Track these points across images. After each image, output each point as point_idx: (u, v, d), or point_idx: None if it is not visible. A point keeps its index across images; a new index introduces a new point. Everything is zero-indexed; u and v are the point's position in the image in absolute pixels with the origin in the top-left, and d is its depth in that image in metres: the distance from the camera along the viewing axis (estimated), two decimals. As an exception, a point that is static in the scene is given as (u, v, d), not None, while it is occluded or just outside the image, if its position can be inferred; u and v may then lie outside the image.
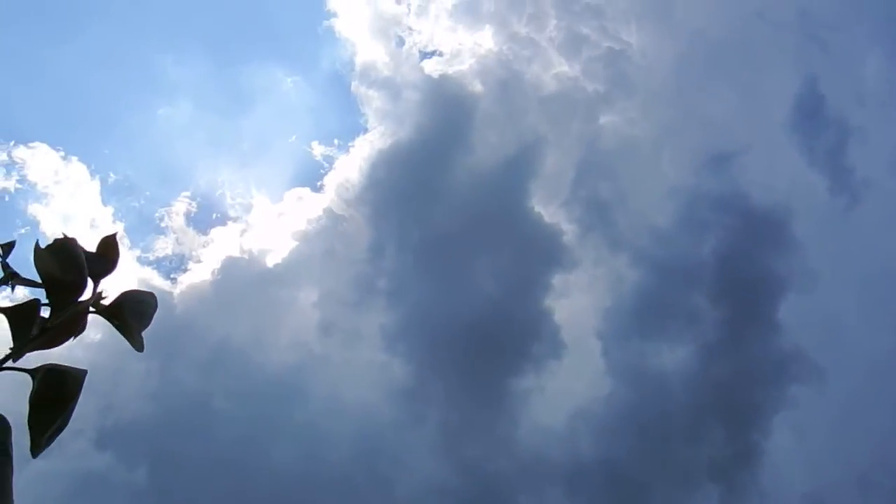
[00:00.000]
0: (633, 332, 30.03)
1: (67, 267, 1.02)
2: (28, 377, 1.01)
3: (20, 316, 1.04)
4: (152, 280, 29.90)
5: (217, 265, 30.64)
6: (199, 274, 30.54)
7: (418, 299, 30.16)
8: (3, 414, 0.97)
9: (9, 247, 1.68)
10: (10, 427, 0.97)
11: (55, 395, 0.97)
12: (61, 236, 1.04)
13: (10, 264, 1.68)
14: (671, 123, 36.32)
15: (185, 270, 30.98)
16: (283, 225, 32.92)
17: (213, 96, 40.53)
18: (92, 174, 32.12)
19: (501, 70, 32.81)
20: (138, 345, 1.10)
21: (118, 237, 1.16)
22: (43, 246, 1.03)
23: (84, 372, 1.01)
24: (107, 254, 1.12)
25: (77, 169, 31.49)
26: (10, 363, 0.98)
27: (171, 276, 30.61)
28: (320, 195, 32.69)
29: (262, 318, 31.05)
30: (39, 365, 0.99)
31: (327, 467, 25.85)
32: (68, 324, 1.05)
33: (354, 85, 35.01)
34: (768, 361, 28.71)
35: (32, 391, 0.98)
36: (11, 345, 1.04)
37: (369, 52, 34.50)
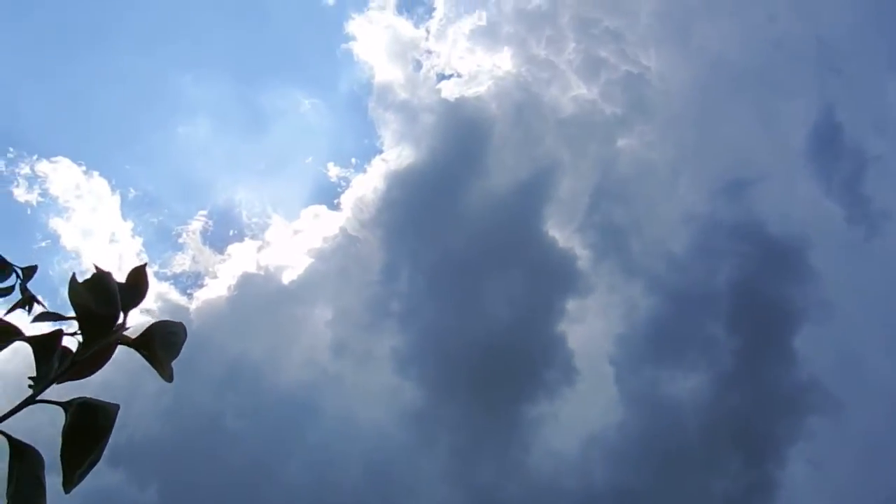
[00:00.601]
0: (646, 359, 29.88)
1: (102, 301, 1.04)
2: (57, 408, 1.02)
3: (44, 346, 1.06)
4: (169, 295, 30.08)
5: (233, 281, 30.77)
6: (216, 290, 30.67)
7: (431, 323, 30.14)
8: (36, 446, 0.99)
9: (30, 271, 1.70)
10: (42, 460, 0.98)
11: (88, 429, 0.99)
12: (96, 270, 1.06)
13: (32, 271, 1.71)
14: (687, 149, 36.35)
15: (202, 286, 31.14)
16: (299, 242, 33.03)
17: (232, 117, 40.98)
18: (113, 189, 32.43)
19: (519, 92, 32.98)
20: (167, 376, 1.11)
21: (147, 267, 1.18)
22: (80, 280, 1.05)
23: (117, 406, 1.02)
24: (136, 284, 1.14)
25: (98, 183, 31.84)
26: (43, 395, 0.99)
27: (188, 291, 30.77)
28: (337, 213, 32.89)
29: (276, 337, 31.11)
30: (72, 398, 1.00)
31: (338, 489, 25.73)
32: (99, 355, 1.07)
33: (372, 107, 35.30)
34: (784, 392, 28.43)
35: (65, 425, 0.99)
36: (32, 377, 1.05)
37: (387, 74, 34.77)
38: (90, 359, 1.07)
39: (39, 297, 1.64)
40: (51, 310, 1.41)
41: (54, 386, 1.05)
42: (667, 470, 27.11)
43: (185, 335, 1.16)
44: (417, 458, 26.98)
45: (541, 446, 27.68)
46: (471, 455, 27.59)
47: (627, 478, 26.76)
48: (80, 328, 1.04)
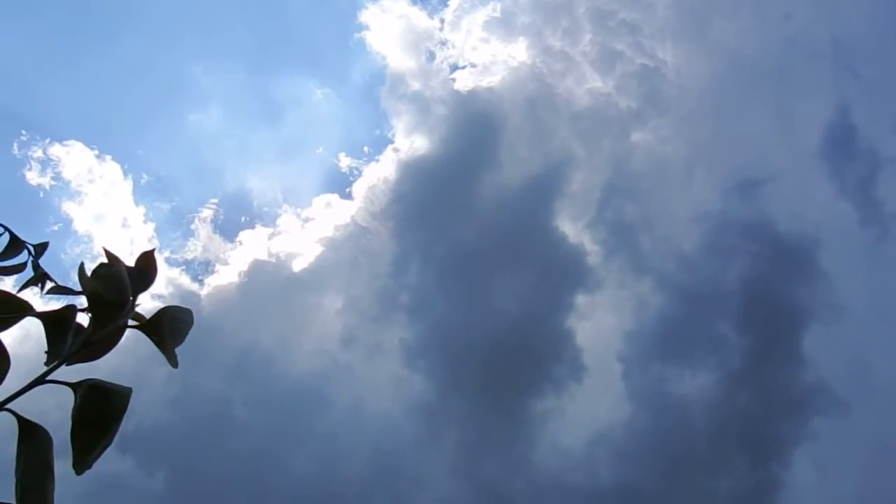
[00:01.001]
0: (655, 357, 29.82)
1: (112, 288, 1.05)
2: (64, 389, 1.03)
3: (57, 322, 1.05)
4: (180, 280, 30.20)
5: (244, 268, 30.85)
6: (227, 276, 30.75)
7: (440, 316, 30.14)
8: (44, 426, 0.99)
9: (41, 247, 1.70)
10: (51, 440, 0.99)
11: (100, 412, 0.99)
12: (106, 256, 1.07)
13: (43, 259, 1.71)
14: (700, 146, 36.17)
15: (213, 272, 31.24)
16: (310, 231, 33.03)
17: (244, 105, 40.99)
18: (125, 174, 32.51)
19: (533, 84, 32.80)
20: (174, 361, 1.12)
21: (155, 252, 1.18)
22: (90, 266, 1.06)
23: (129, 390, 1.02)
24: (145, 269, 1.14)
25: (111, 168, 31.89)
26: (52, 376, 1.00)
27: (199, 277, 30.87)
28: (348, 202, 32.95)
29: (285, 325, 31.21)
30: (82, 379, 1.01)
31: (344, 480, 25.84)
32: (108, 338, 1.08)
33: (384, 98, 35.28)
34: (791, 392, 28.33)
35: (75, 407, 0.99)
36: (46, 350, 1.06)
37: (400, 65, 34.66)
38: (100, 342, 1.08)
39: (51, 275, 1.64)
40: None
41: (62, 368, 1.06)
42: (672, 468, 27.10)
43: (192, 322, 1.17)
44: (423, 451, 27.07)
45: (547, 442, 27.71)
46: (477, 449, 27.66)
47: (633, 475, 26.78)
48: (90, 311, 1.05)
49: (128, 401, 1.01)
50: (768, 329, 29.95)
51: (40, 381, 1.00)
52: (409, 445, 27.14)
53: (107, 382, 1.00)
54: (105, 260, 1.08)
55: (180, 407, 26.76)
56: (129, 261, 1.15)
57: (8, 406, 0.98)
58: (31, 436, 0.99)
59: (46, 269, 1.66)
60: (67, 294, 1.30)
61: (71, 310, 1.06)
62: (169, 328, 1.12)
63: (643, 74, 33.01)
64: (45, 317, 1.05)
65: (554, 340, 29.24)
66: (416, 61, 34.16)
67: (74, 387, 0.99)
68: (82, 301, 1.10)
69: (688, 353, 29.82)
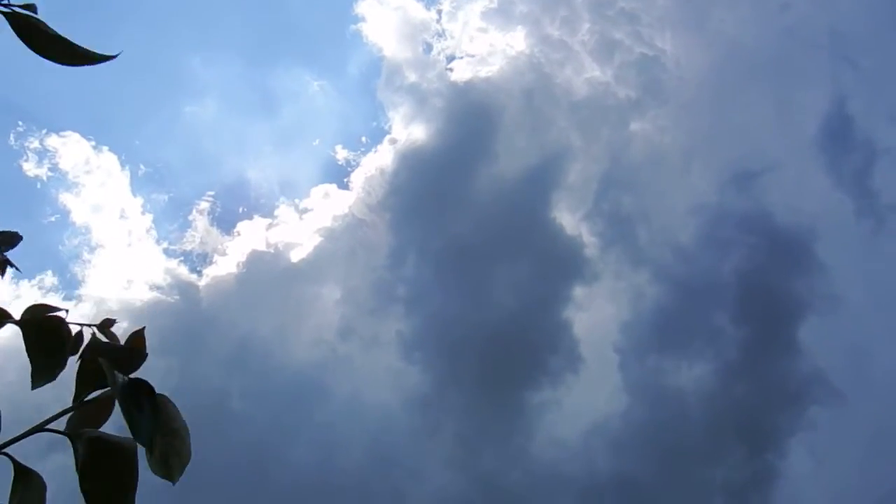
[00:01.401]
0: (651, 348, 29.85)
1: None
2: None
3: (41, 332, 0.98)
4: (177, 271, 30.09)
5: (242, 258, 30.73)
6: (225, 267, 30.60)
7: (436, 308, 30.11)
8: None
9: (10, 238, 1.63)
10: (45, 484, 1.00)
11: (110, 471, 0.95)
12: (100, 332, 1.06)
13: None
14: (697, 136, 36.08)
15: (211, 263, 31.14)
16: (308, 222, 32.88)
17: (241, 97, 40.87)
18: (122, 165, 32.35)
19: (531, 74, 32.56)
20: (159, 469, 1.01)
21: (145, 331, 1.12)
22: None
23: (134, 445, 0.98)
24: (137, 347, 1.11)
25: (108, 159, 31.69)
26: (50, 425, 1.00)
27: (197, 268, 30.74)
28: (346, 192, 32.85)
29: (282, 316, 31.13)
30: (81, 430, 0.99)
31: (342, 470, 25.90)
32: (104, 405, 1.06)
33: (381, 89, 35.14)
34: (788, 383, 28.40)
35: (78, 460, 0.97)
36: (35, 378, 1.03)
37: (396, 56, 34.45)
38: (96, 406, 1.05)
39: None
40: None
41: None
42: (669, 459, 27.18)
43: (189, 449, 1.08)
44: (421, 442, 27.11)
45: (544, 433, 27.76)
46: (474, 440, 27.70)
47: (629, 466, 26.86)
48: (80, 378, 1.04)
49: (134, 456, 0.95)
50: (765, 320, 30.01)
51: (39, 428, 1.00)
52: (406, 436, 27.21)
53: (109, 436, 0.97)
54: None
55: (178, 398, 26.33)
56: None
57: (5, 450, 0.99)
58: (26, 480, 1.00)
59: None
60: (48, 312, 1.26)
61: (58, 321, 1.00)
62: (165, 431, 1.04)
63: (642, 64, 32.76)
64: (26, 325, 0.99)
65: (551, 332, 29.26)
66: (413, 52, 33.94)
67: (72, 438, 0.98)
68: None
69: (684, 344, 29.89)
